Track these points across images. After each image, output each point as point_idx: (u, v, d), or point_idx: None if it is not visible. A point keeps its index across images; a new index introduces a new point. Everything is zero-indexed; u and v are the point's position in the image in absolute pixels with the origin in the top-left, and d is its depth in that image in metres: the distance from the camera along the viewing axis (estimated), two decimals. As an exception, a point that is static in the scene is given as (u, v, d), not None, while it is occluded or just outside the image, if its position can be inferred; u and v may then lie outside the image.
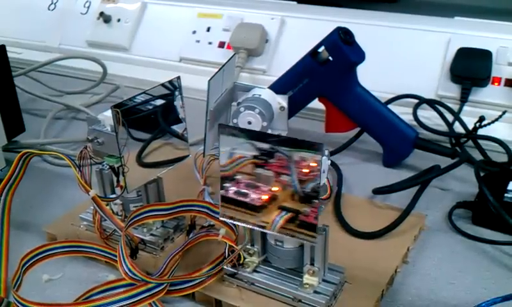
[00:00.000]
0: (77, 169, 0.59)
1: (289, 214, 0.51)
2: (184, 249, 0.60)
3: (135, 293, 0.54)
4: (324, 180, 0.51)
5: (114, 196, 0.63)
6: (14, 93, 0.83)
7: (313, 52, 0.80)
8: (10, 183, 0.63)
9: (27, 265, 0.59)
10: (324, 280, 0.54)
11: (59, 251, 0.62)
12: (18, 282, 0.57)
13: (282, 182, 0.50)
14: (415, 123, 0.86)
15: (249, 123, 0.65)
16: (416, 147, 0.81)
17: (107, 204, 0.63)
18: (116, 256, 0.58)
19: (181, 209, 0.62)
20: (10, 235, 0.63)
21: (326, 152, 0.51)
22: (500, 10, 1.13)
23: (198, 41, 1.12)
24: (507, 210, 0.63)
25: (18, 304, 0.55)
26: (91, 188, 0.59)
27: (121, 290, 0.56)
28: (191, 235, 0.63)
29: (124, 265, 0.55)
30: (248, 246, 0.57)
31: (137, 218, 0.59)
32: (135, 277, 0.55)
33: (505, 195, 0.67)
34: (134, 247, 0.62)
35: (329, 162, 0.52)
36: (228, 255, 0.56)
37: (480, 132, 0.82)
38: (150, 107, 0.61)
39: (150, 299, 0.54)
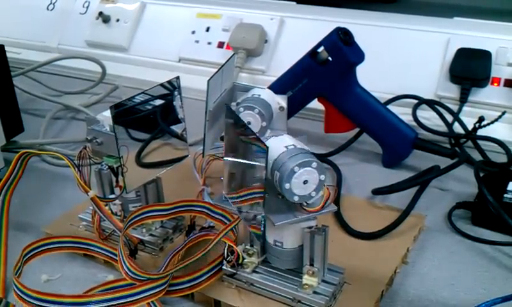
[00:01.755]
0: (76, 169, 0.59)
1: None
2: (185, 247, 0.60)
3: (134, 292, 0.54)
4: (302, 190, 0.50)
5: (113, 196, 0.62)
6: (13, 93, 0.83)
7: (313, 53, 0.80)
8: (9, 183, 0.63)
9: (28, 255, 0.59)
10: (323, 281, 0.54)
11: (60, 245, 0.62)
12: (19, 271, 0.57)
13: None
14: (414, 123, 0.86)
15: (249, 123, 0.65)
16: (416, 147, 0.81)
17: (106, 205, 0.63)
18: (116, 255, 0.58)
19: (180, 209, 0.62)
20: (9, 235, 0.63)
21: (314, 164, 0.50)
22: (499, 11, 1.13)
23: (197, 42, 1.12)
24: (507, 211, 0.63)
25: (17, 290, 0.55)
26: (90, 189, 0.59)
27: (121, 288, 0.56)
28: (190, 235, 0.63)
29: (124, 266, 0.55)
30: (248, 246, 0.57)
31: (137, 219, 0.59)
32: (135, 276, 0.55)
33: (505, 195, 0.67)
34: (133, 247, 0.62)
35: (322, 177, 0.50)
36: (227, 255, 0.56)
37: (480, 132, 0.82)
38: (149, 107, 0.61)
39: (149, 299, 0.54)
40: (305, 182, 0.50)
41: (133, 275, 0.55)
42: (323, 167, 0.50)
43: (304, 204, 0.51)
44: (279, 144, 0.52)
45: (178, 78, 0.62)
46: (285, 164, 0.50)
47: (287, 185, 0.50)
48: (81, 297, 0.54)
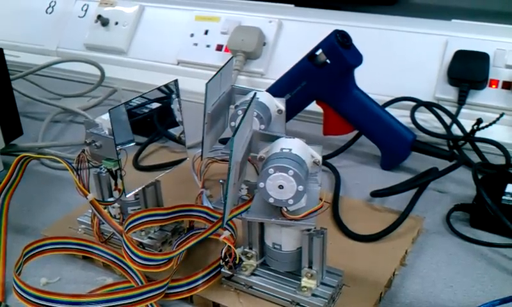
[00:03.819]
0: (75, 172, 0.59)
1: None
2: (189, 238, 0.60)
3: (134, 294, 0.54)
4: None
5: (112, 199, 0.62)
6: (12, 96, 0.83)
7: (311, 55, 0.80)
8: (8, 187, 0.63)
9: (29, 255, 0.59)
10: (322, 283, 0.54)
11: (61, 246, 0.62)
12: (20, 269, 0.57)
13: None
14: (412, 125, 0.86)
15: (247, 126, 0.65)
16: (414, 150, 0.81)
17: (105, 208, 0.63)
18: (117, 258, 0.58)
19: (179, 214, 0.62)
20: (8, 239, 0.63)
21: (291, 172, 0.49)
22: (497, 13, 1.13)
23: (195, 44, 1.12)
24: (505, 213, 0.63)
25: (17, 288, 0.55)
26: (89, 192, 0.59)
27: (121, 290, 0.56)
28: (194, 230, 0.63)
29: (134, 255, 0.56)
30: (246, 249, 0.57)
31: (135, 223, 0.59)
32: (147, 263, 0.55)
33: (503, 197, 0.67)
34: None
35: (301, 187, 0.50)
36: (225, 257, 0.56)
37: (478, 134, 0.82)
38: (148, 111, 0.61)
39: (149, 301, 0.54)
40: (281, 187, 0.50)
41: (144, 262, 0.55)
42: (301, 178, 0.50)
43: (285, 209, 0.52)
44: (280, 145, 0.53)
45: (176, 81, 0.62)
46: (266, 163, 0.51)
47: (261, 184, 0.50)
48: (81, 297, 0.54)
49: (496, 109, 0.87)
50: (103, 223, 0.62)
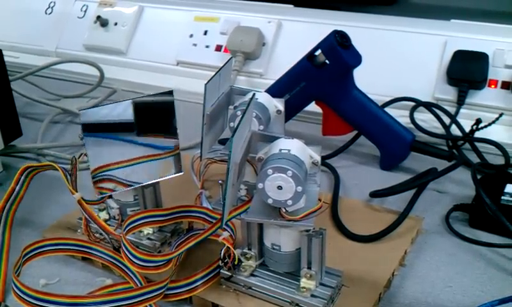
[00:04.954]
0: (67, 173, 0.60)
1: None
2: (189, 239, 0.60)
3: (133, 295, 0.54)
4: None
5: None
6: (11, 97, 0.83)
7: (310, 56, 0.80)
8: (12, 200, 0.63)
9: (28, 256, 0.59)
10: (321, 283, 0.54)
11: (61, 247, 0.62)
12: (19, 270, 0.57)
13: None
14: (411, 125, 0.86)
15: (246, 126, 0.65)
16: (413, 150, 0.81)
17: (103, 209, 0.63)
18: (116, 259, 0.59)
19: (178, 215, 0.62)
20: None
21: (289, 172, 0.49)
22: (496, 13, 1.13)
23: (195, 45, 1.12)
24: (504, 213, 0.63)
25: (16, 289, 0.55)
26: (76, 191, 0.60)
27: (120, 291, 0.56)
28: (193, 231, 0.63)
29: (133, 256, 0.56)
30: (246, 250, 0.57)
31: (134, 225, 0.59)
32: (146, 264, 0.55)
33: (502, 197, 0.67)
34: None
35: (299, 188, 0.50)
36: (224, 258, 0.56)
37: (477, 134, 0.82)
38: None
39: (148, 302, 0.54)
40: (279, 188, 0.50)
41: (143, 264, 0.55)
42: (300, 179, 0.50)
43: (283, 210, 0.52)
44: (278, 145, 0.53)
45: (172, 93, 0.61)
46: (265, 164, 0.51)
47: (260, 185, 0.50)
48: (80, 298, 0.54)
49: (495, 109, 0.87)
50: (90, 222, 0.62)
